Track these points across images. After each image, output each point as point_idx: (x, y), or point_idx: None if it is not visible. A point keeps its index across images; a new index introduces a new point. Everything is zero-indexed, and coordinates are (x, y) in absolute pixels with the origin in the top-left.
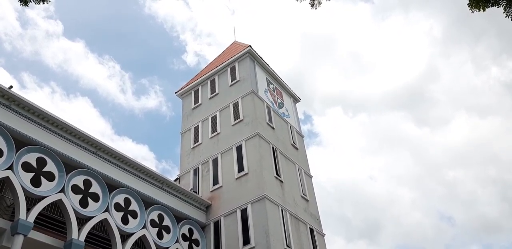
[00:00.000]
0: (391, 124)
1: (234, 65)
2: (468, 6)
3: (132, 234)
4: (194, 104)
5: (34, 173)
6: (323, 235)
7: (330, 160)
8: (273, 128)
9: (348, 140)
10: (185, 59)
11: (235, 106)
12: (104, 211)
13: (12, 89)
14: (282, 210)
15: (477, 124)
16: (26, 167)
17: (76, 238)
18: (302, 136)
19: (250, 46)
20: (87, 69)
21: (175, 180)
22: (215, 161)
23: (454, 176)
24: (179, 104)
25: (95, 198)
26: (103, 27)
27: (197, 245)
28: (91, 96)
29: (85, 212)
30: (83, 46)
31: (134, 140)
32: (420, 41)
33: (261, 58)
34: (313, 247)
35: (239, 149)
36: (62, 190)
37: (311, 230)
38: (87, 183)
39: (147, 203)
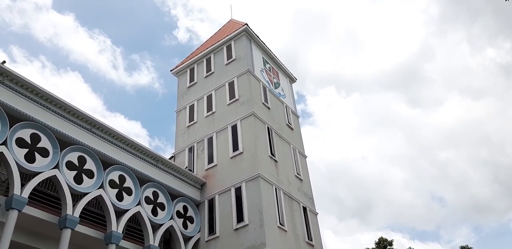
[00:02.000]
0: (384, 104)
1: (230, 44)
2: None
3: (127, 210)
4: (190, 82)
5: (28, 149)
6: (316, 214)
7: (323, 140)
8: (269, 108)
9: (341, 120)
10: (177, 35)
11: (231, 85)
12: (99, 188)
13: (4, 64)
14: (276, 189)
15: (470, 105)
16: (20, 142)
17: (71, 214)
18: (298, 117)
19: (246, 24)
20: (78, 44)
21: (170, 158)
22: (210, 140)
23: (446, 157)
24: (172, 81)
25: (90, 174)
26: (92, 0)
27: (192, 222)
28: (82, 71)
29: (79, 188)
30: (73, 19)
31: (126, 116)
32: (415, 19)
33: (258, 37)
34: (306, 226)
35: (234, 128)
36: (57, 166)
37: (304, 208)
38: (82, 160)
39: (142, 180)
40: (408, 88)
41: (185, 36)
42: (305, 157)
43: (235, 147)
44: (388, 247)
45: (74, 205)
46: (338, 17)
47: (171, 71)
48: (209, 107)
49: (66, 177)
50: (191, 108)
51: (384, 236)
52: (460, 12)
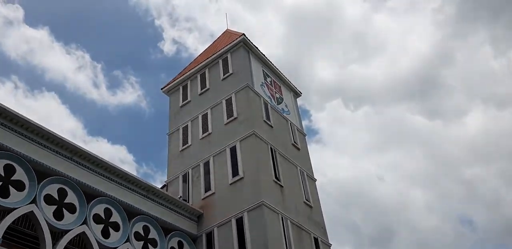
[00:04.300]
0: (398, 117)
1: (227, 57)
2: None
3: None
4: (183, 101)
5: (1, 182)
6: (329, 245)
7: (332, 160)
8: (272, 126)
9: (351, 136)
10: (163, 48)
11: (228, 102)
12: (82, 224)
13: None
14: (282, 218)
15: (496, 115)
16: None
17: None
18: (304, 135)
19: (243, 34)
20: (53, 60)
21: (162, 187)
22: (206, 165)
23: (473, 174)
24: (160, 99)
25: (71, 209)
26: (67, 12)
27: None
28: (59, 91)
29: (60, 225)
30: (48, 34)
31: (110, 140)
32: (431, 20)
33: (257, 48)
34: None
35: (233, 150)
36: (34, 201)
37: (316, 240)
38: (62, 193)
39: (131, 213)
40: (425, 97)
41: (171, 48)
42: (314, 180)
43: (235, 171)
44: None
45: (54, 245)
46: (343, 21)
47: (161, 89)
48: (205, 128)
49: (44, 213)
50: (185, 129)
51: None
52: (480, 10)
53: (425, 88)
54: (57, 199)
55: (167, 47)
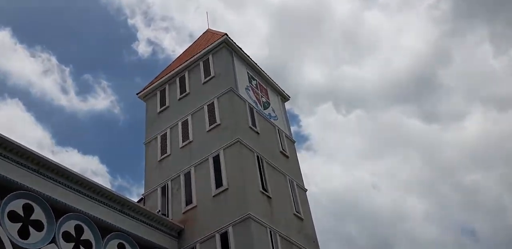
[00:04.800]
0: (393, 121)
1: (208, 58)
2: None
3: None
4: (160, 107)
5: None
6: None
7: (323, 168)
8: (258, 133)
9: (343, 142)
10: (137, 49)
11: (210, 107)
12: (50, 243)
13: None
14: (270, 232)
15: (497, 117)
16: None
17: None
18: (293, 142)
19: (226, 34)
20: (17, 64)
21: (139, 201)
22: (187, 176)
23: (473, 180)
24: (136, 105)
25: (38, 226)
26: (31, 11)
27: None
28: (23, 97)
29: (25, 244)
30: (10, 35)
31: (80, 150)
32: (426, 16)
33: (240, 48)
34: None
35: (216, 159)
36: None
37: None
38: (28, 208)
39: (104, 230)
40: (421, 100)
41: (147, 50)
42: (305, 190)
43: (218, 182)
44: None
45: None
46: (332, 19)
47: (137, 94)
48: (185, 136)
49: (8, 231)
50: (163, 138)
51: None
52: (478, 5)
53: (421, 89)
54: (22, 215)
55: (142, 48)
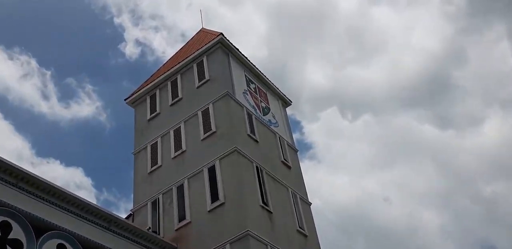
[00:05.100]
0: (404, 127)
1: (202, 60)
2: None
3: None
4: (151, 113)
5: None
6: None
7: (329, 179)
8: (257, 142)
9: (350, 151)
10: (124, 50)
11: (205, 114)
12: None
13: None
14: None
15: None
16: None
17: None
18: (296, 151)
19: (221, 34)
20: None
21: (127, 217)
22: (180, 189)
23: (493, 190)
24: (123, 112)
25: (17, 246)
26: (9, 9)
27: None
28: (1, 104)
29: None
30: None
31: (63, 162)
32: (439, 12)
33: (237, 49)
34: None
35: (211, 171)
36: None
37: None
38: (5, 226)
39: None
40: (435, 103)
41: (135, 51)
42: (309, 204)
43: (214, 196)
44: None
45: None
46: (337, 16)
47: (125, 100)
48: (178, 145)
49: None
50: (154, 147)
51: None
52: (495, 0)
53: (434, 92)
54: (0, 234)
55: (130, 50)
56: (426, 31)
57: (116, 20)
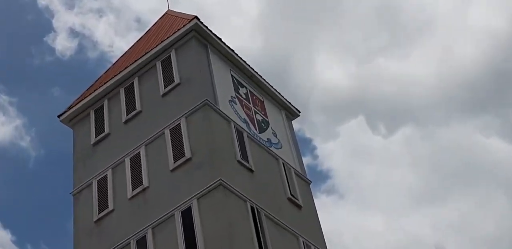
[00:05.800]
0: (462, 142)
1: (169, 56)
2: None
3: None
4: (96, 135)
5: None
6: None
7: (355, 220)
8: (252, 171)
9: (384, 179)
10: (53, 44)
11: (175, 133)
12: None
13: None
14: None
15: None
16: None
17: None
18: (309, 183)
19: (196, 17)
20: None
21: None
22: (142, 244)
23: None
24: (56, 133)
25: None
26: None
27: None
28: None
29: None
30: None
31: None
32: None
33: (220, 38)
34: None
35: (187, 215)
36: None
37: None
38: None
39: None
40: (504, 108)
41: (69, 45)
42: None
43: None
44: None
45: None
46: None
47: (59, 117)
48: (137, 180)
49: None
50: (102, 184)
51: None
52: None
53: (504, 92)
54: None
55: (62, 43)
56: (487, 6)
57: (42, 2)
